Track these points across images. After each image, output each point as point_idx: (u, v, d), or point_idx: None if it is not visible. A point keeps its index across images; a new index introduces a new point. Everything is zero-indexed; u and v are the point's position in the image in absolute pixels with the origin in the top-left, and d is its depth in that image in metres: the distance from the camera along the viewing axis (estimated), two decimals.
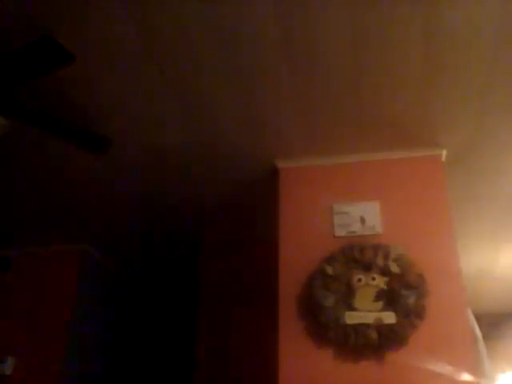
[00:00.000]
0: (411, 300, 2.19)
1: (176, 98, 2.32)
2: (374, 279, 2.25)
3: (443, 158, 2.61)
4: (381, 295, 2.22)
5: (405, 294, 2.19)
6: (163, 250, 3.78)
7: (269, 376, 2.29)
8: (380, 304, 2.21)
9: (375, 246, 2.33)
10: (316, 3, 1.83)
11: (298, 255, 2.46)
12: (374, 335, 2.14)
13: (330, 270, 2.30)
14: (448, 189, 2.53)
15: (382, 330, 2.14)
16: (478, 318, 2.51)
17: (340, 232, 2.46)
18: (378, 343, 2.14)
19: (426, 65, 2.10)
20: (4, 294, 3.49)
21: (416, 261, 2.28)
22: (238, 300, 3.35)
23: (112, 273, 3.90)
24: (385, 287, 2.23)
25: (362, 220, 2.46)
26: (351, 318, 2.19)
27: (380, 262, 2.27)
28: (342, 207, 2.52)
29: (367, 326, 2.15)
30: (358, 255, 2.31)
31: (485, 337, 2.53)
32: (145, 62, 2.13)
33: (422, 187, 2.54)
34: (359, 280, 2.26)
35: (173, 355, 4.12)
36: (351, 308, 2.21)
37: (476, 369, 2.15)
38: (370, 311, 2.18)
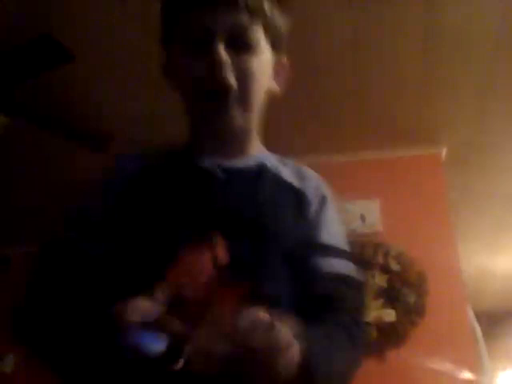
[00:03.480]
0: (411, 298, 2.19)
1: (176, 97, 2.32)
2: (373, 277, 2.26)
3: (443, 157, 2.61)
4: (381, 293, 2.23)
5: (405, 292, 2.20)
6: None
7: None
8: (380, 302, 2.21)
9: (375, 244, 2.33)
10: (316, 3, 1.84)
11: None
12: (374, 333, 2.15)
13: None
14: (448, 187, 2.54)
15: (382, 327, 2.15)
16: (478, 316, 2.52)
17: None
18: (378, 341, 2.14)
19: (427, 65, 2.10)
20: (4, 292, 3.49)
21: (416, 259, 2.29)
22: None
23: None
24: (385, 285, 2.24)
25: (362, 218, 2.46)
26: None
27: (380, 260, 2.28)
28: (342, 205, 2.52)
29: (367, 323, 2.16)
30: (357, 253, 2.31)
31: (485, 335, 2.54)
32: (145, 62, 2.13)
33: (422, 185, 2.54)
34: None
35: None
36: None
37: (476, 366, 2.16)
38: (370, 309, 2.19)
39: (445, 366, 2.10)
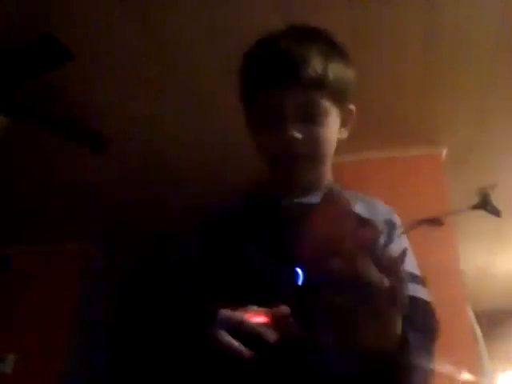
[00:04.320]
0: None
1: (176, 97, 2.32)
2: None
3: (443, 157, 2.61)
4: None
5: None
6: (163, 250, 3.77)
7: None
8: None
9: None
10: (315, 3, 1.84)
11: None
12: None
13: None
14: (448, 187, 2.53)
15: None
16: (478, 316, 2.51)
17: None
18: None
19: (426, 65, 2.10)
20: (4, 292, 3.49)
21: (416, 260, 2.28)
22: None
23: (112, 273, 3.89)
24: None
25: None
26: None
27: None
28: None
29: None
30: None
31: (485, 336, 2.54)
32: (145, 62, 2.13)
33: (423, 186, 2.54)
34: None
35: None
36: None
37: (476, 367, 2.15)
38: None
39: (444, 367, 2.09)
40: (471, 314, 2.38)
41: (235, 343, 0.68)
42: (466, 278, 2.35)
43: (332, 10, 1.86)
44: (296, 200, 0.93)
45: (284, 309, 0.68)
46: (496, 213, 0.73)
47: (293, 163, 0.90)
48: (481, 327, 2.55)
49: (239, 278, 0.83)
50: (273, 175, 0.97)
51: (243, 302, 0.72)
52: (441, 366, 2.27)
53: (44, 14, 1.91)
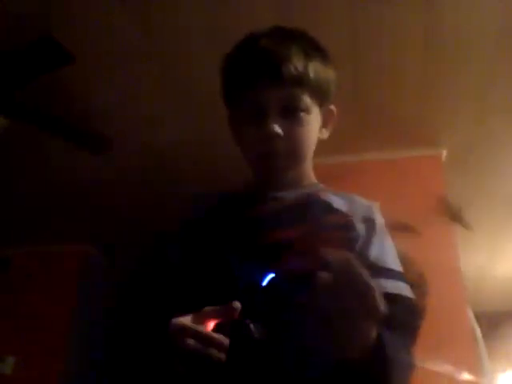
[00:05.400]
0: None
1: (176, 97, 2.32)
2: None
3: (443, 158, 2.61)
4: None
5: None
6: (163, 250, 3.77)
7: None
8: None
9: None
10: (315, 3, 1.84)
11: None
12: None
13: None
14: (448, 188, 2.53)
15: None
16: (478, 317, 2.51)
17: None
18: None
19: (426, 65, 2.10)
20: (4, 293, 3.49)
21: (416, 260, 2.28)
22: None
23: (112, 273, 3.90)
24: None
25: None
26: None
27: None
28: None
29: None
30: None
31: (485, 336, 2.53)
32: (145, 62, 2.13)
33: (423, 187, 2.53)
34: None
35: None
36: None
37: (476, 368, 2.15)
38: None
39: (445, 368, 2.09)
40: (471, 315, 2.38)
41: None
42: (465, 279, 2.35)
43: (332, 9, 1.86)
44: (273, 194, 0.93)
45: (234, 305, 0.67)
46: (467, 226, 0.72)
47: (273, 160, 0.91)
48: (481, 328, 2.55)
49: (214, 280, 0.82)
50: (255, 174, 0.98)
51: (220, 304, 0.70)
52: (441, 366, 2.26)
53: (44, 15, 1.91)
